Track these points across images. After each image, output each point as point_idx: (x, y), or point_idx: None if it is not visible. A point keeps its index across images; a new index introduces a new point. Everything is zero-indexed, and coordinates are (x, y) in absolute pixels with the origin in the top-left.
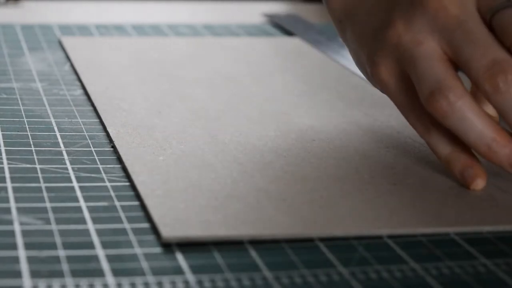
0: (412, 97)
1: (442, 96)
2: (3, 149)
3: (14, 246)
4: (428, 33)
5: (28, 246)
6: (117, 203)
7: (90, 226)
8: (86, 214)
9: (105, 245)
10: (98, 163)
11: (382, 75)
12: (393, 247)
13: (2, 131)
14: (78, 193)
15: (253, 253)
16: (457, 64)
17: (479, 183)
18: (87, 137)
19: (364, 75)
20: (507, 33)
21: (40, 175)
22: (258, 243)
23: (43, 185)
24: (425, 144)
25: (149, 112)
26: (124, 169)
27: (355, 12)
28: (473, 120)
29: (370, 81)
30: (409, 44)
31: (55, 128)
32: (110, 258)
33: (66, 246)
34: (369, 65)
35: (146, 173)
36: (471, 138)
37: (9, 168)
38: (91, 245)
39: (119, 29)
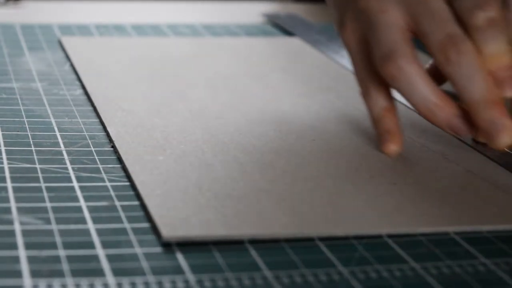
0: (367, 59)
1: (393, 61)
2: (3, 149)
3: (14, 246)
4: (394, 3)
5: (28, 245)
6: (117, 203)
7: (90, 225)
8: (86, 214)
9: (105, 245)
10: (98, 163)
11: (347, 36)
12: (393, 247)
13: (2, 131)
14: (78, 193)
15: (253, 252)
16: (416, 35)
17: (391, 148)
18: (87, 137)
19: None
20: (465, 15)
21: (40, 175)
22: (258, 242)
23: (43, 185)
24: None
25: (149, 112)
26: (124, 169)
27: None
28: (419, 84)
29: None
30: (374, 10)
31: (55, 128)
32: (110, 258)
33: (66, 245)
34: (338, 26)
35: (146, 173)
36: (414, 100)
37: (9, 168)
38: (91, 245)
39: (119, 29)
